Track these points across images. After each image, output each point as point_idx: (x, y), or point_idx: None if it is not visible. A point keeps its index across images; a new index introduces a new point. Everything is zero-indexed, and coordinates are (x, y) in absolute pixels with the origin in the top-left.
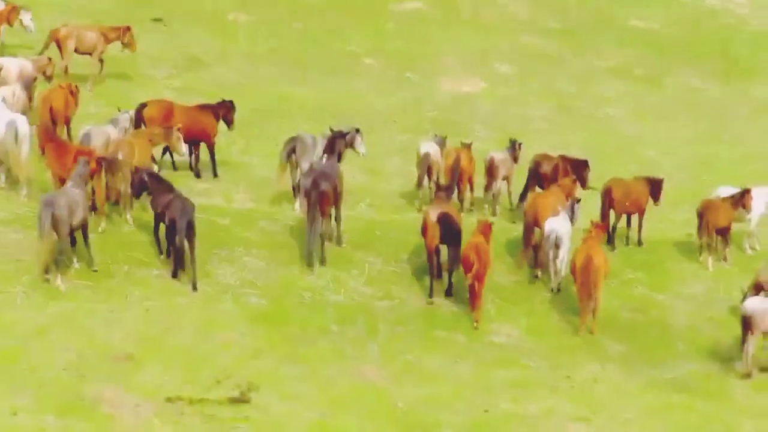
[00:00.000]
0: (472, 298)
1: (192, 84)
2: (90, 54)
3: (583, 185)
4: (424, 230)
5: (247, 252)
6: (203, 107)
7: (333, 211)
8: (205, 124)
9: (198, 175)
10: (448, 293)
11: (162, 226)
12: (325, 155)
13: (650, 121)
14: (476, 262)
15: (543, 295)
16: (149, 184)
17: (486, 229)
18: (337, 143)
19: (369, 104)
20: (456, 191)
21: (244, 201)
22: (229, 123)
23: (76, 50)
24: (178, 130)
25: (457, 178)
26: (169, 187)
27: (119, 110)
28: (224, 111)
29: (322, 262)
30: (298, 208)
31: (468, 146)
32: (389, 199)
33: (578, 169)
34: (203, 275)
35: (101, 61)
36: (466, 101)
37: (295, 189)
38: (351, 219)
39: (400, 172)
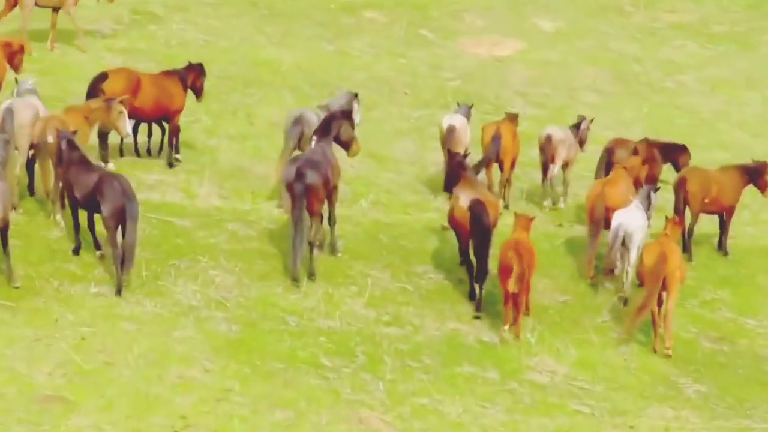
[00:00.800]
0: (512, 309)
1: (140, 44)
2: (54, 9)
3: None
4: (452, 220)
5: (213, 263)
6: (169, 74)
7: (325, 210)
8: (173, 96)
9: (154, 153)
10: (477, 314)
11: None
12: (315, 137)
13: (736, 93)
14: (517, 263)
15: (599, 320)
16: (64, 155)
17: (528, 225)
18: (334, 124)
19: (371, 70)
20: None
21: (210, 197)
22: (199, 91)
23: (36, 3)
24: (121, 103)
25: (494, 157)
26: (89, 164)
27: (16, 81)
28: (193, 77)
29: (311, 276)
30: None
31: (514, 118)
32: (398, 194)
33: (674, 155)
34: (156, 293)
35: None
36: (496, 67)
37: None
38: (349, 220)
39: (413, 158)
